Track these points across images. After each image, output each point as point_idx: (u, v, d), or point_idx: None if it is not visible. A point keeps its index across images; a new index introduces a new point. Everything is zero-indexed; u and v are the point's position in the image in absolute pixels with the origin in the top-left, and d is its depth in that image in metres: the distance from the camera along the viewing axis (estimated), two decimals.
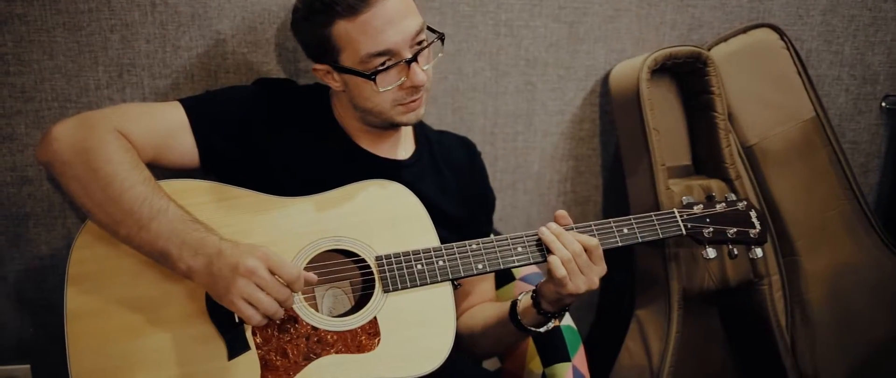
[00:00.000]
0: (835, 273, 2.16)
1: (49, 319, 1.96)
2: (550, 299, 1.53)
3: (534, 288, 1.58)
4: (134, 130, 1.45)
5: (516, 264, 1.52)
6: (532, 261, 1.52)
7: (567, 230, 1.51)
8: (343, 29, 1.45)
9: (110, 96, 1.83)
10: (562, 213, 1.54)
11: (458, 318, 1.67)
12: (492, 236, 1.54)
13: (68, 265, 1.40)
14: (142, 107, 1.60)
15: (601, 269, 1.51)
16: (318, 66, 1.54)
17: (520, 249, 1.52)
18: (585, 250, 1.49)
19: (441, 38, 1.55)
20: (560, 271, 1.46)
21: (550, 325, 1.58)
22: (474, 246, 1.51)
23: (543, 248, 1.51)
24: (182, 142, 1.51)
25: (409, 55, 1.47)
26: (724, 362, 2.17)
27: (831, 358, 2.15)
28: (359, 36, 1.44)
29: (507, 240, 1.52)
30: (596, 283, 1.50)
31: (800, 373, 2.12)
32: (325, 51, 1.50)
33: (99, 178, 1.36)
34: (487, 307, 1.71)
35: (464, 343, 1.67)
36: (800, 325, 2.16)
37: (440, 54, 1.58)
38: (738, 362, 2.18)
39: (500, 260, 1.51)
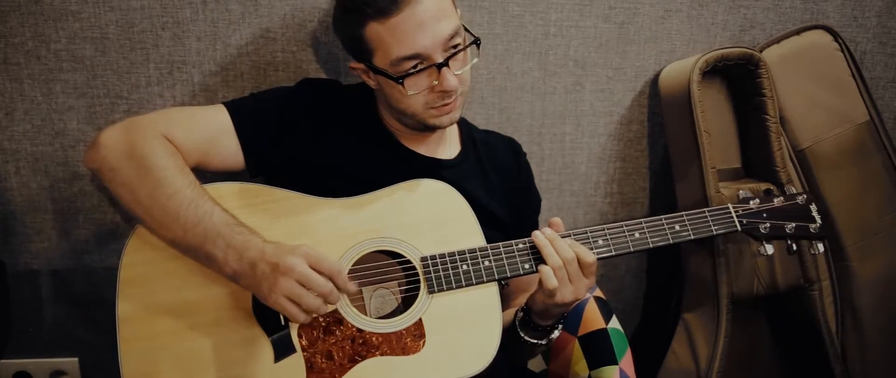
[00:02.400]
0: (887, 279, 2.12)
1: (97, 314, 2.00)
2: (539, 313, 1.52)
3: (525, 307, 1.57)
4: (179, 135, 1.46)
5: None
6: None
7: (611, 227, 1.52)
8: (374, 31, 1.44)
9: (161, 93, 1.85)
10: (556, 220, 1.51)
11: None
12: None
13: (119, 269, 1.42)
14: (186, 111, 1.62)
15: (591, 282, 1.49)
16: (356, 65, 1.54)
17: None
18: (578, 261, 1.46)
19: (476, 43, 1.52)
20: (552, 282, 1.44)
21: (554, 335, 1.57)
22: (520, 245, 1.50)
23: (597, 246, 1.51)
24: (227, 145, 1.52)
25: (440, 59, 1.45)
26: (771, 368, 2.14)
27: (882, 366, 2.11)
28: (389, 38, 1.43)
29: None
30: (582, 295, 1.48)
31: None
32: (360, 50, 1.50)
33: (146, 184, 1.38)
34: (507, 313, 1.69)
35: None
36: (850, 332, 2.12)
37: (476, 59, 1.55)
38: (787, 369, 2.15)
39: None
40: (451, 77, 1.46)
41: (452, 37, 1.46)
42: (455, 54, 1.48)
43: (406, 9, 1.41)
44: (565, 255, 1.45)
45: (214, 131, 1.51)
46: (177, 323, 1.39)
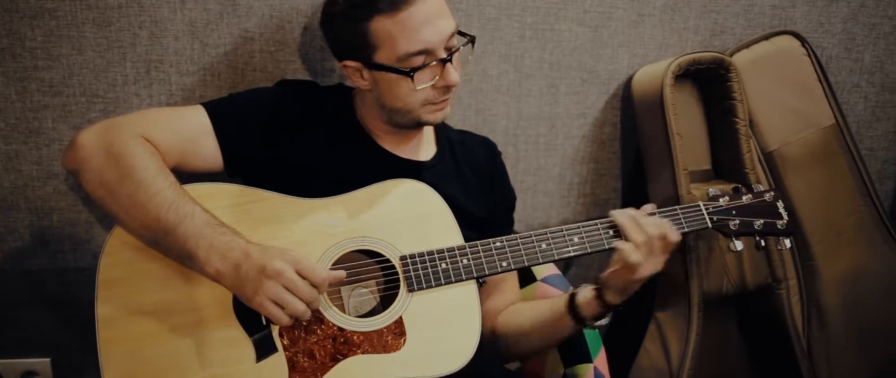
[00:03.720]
0: (852, 279, 2.18)
1: (71, 313, 1.99)
2: (619, 288, 1.54)
3: (594, 284, 1.60)
4: (158, 136, 1.47)
5: (541, 261, 1.54)
6: (558, 257, 1.55)
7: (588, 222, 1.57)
8: (382, 25, 1.46)
9: (137, 92, 1.84)
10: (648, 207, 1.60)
11: (497, 318, 1.70)
12: (516, 234, 1.55)
13: (98, 271, 1.41)
14: (165, 112, 1.62)
15: (667, 256, 1.56)
16: (350, 63, 1.55)
17: (544, 246, 1.54)
18: (662, 238, 1.53)
19: (472, 41, 1.56)
20: (635, 256, 1.50)
21: (607, 319, 1.61)
22: (498, 244, 1.52)
23: (560, 248, 1.54)
24: (206, 146, 1.52)
25: (444, 55, 1.49)
26: (740, 366, 2.19)
27: (847, 362, 2.17)
28: (397, 33, 1.45)
29: (530, 237, 1.54)
30: (660, 266, 1.55)
31: (816, 376, 2.14)
32: (359, 47, 1.50)
33: (126, 184, 1.38)
34: (532, 305, 1.72)
35: (505, 343, 1.69)
36: (816, 330, 2.17)
37: (470, 57, 1.59)
38: (755, 366, 2.20)
39: (524, 257, 1.53)
40: (453, 72, 1.50)
41: (452, 35, 1.50)
42: (456, 51, 1.52)
43: (416, 3, 1.44)
44: (652, 232, 1.52)
45: (193, 132, 1.52)
46: (157, 324, 1.39)
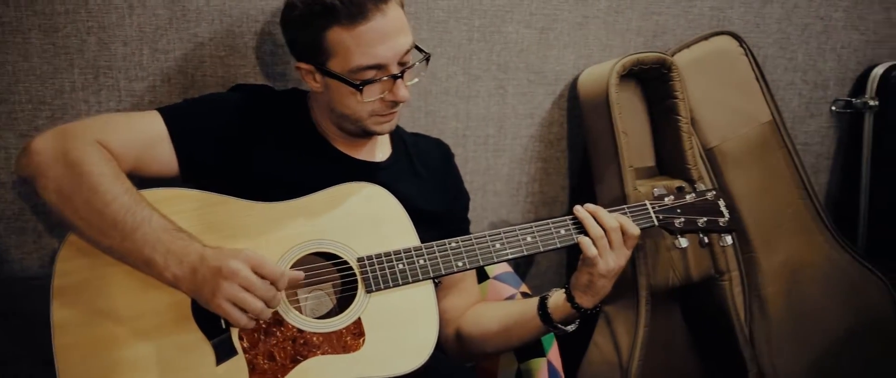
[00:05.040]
0: (790, 269, 2.26)
1: (16, 324, 1.93)
2: (584, 286, 1.58)
3: (562, 287, 1.63)
4: (114, 141, 1.46)
5: (496, 260, 1.57)
6: (513, 256, 1.58)
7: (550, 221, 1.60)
8: (339, 36, 1.48)
9: (86, 98, 1.83)
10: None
11: (461, 319, 1.73)
12: (471, 234, 1.58)
13: (53, 278, 1.40)
14: (121, 117, 1.61)
15: (629, 252, 1.60)
16: (303, 65, 1.56)
17: (498, 245, 1.57)
18: (622, 231, 1.57)
19: (427, 58, 1.59)
20: (592, 250, 1.54)
21: (576, 324, 1.64)
22: (454, 244, 1.55)
23: (526, 244, 1.57)
24: (162, 151, 1.52)
25: (396, 71, 1.51)
26: (687, 355, 2.25)
27: (787, 348, 2.25)
28: (353, 46, 1.47)
29: (485, 237, 1.57)
30: (624, 263, 1.59)
31: (758, 363, 2.20)
32: (314, 52, 1.52)
33: (82, 190, 1.37)
34: (498, 306, 1.75)
35: (469, 344, 1.72)
36: (758, 319, 2.25)
37: (423, 73, 1.61)
38: (701, 355, 2.26)
39: (480, 257, 1.56)
40: (403, 89, 1.53)
41: (408, 51, 1.52)
42: (409, 68, 1.54)
43: (373, 19, 1.46)
44: (609, 224, 1.55)
45: (149, 137, 1.52)
46: (115, 330, 1.38)
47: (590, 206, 1.60)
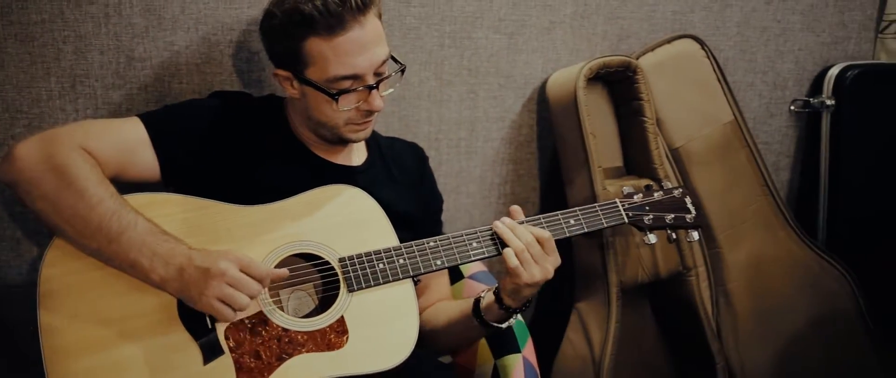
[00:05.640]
0: (754, 264, 2.33)
1: None
2: (509, 292, 1.60)
3: (495, 286, 1.66)
4: (97, 147, 1.48)
5: (472, 259, 1.61)
6: (487, 255, 1.61)
7: (520, 223, 1.61)
8: (316, 46, 1.51)
9: (62, 106, 1.84)
10: (516, 208, 1.63)
11: (422, 315, 1.75)
12: (448, 234, 1.62)
13: (39, 282, 1.42)
14: (102, 123, 1.62)
15: (555, 259, 1.59)
16: (280, 72, 1.59)
17: (475, 244, 1.61)
18: (538, 241, 1.57)
19: (402, 70, 1.63)
20: (513, 261, 1.55)
21: (512, 321, 1.67)
22: (432, 243, 1.59)
23: (498, 242, 1.60)
24: (143, 157, 1.55)
25: (372, 82, 1.55)
26: (657, 348, 2.31)
27: (753, 341, 2.32)
28: (330, 56, 1.50)
29: (462, 236, 1.61)
30: (550, 273, 1.58)
31: (725, 356, 2.27)
32: (292, 60, 1.55)
33: (67, 195, 1.40)
34: (449, 305, 1.79)
35: (426, 338, 1.74)
36: (724, 312, 2.31)
37: (398, 83, 1.65)
38: (670, 348, 2.32)
39: (457, 255, 1.59)
40: (378, 99, 1.56)
41: (384, 62, 1.55)
42: (384, 79, 1.57)
43: (351, 30, 1.49)
44: (526, 239, 1.56)
45: (131, 143, 1.54)
46: (103, 332, 1.40)
47: (507, 220, 1.60)
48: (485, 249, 1.61)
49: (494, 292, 1.65)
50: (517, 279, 1.56)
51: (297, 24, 1.50)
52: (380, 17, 1.57)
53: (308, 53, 1.52)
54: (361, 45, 1.51)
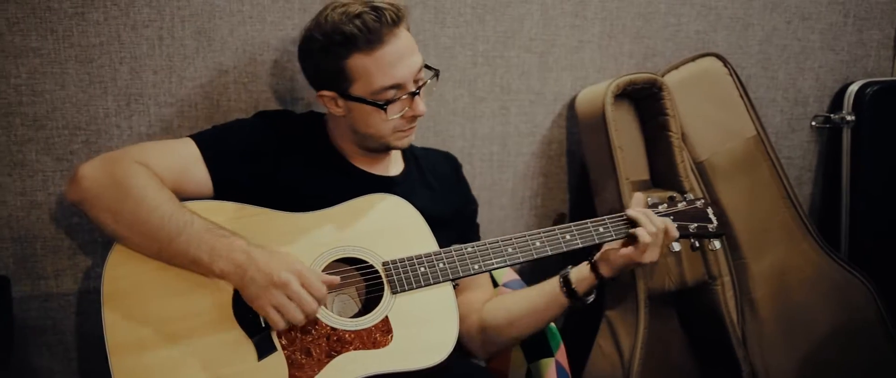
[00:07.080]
0: (778, 273, 2.37)
1: (53, 339, 2.01)
2: (618, 267, 1.71)
3: (583, 262, 1.77)
4: (154, 163, 1.57)
5: (508, 264, 1.68)
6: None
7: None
8: (359, 61, 1.60)
9: (118, 123, 1.92)
10: (638, 195, 1.79)
11: (482, 311, 1.83)
12: (485, 240, 1.69)
13: (102, 284, 1.51)
14: (157, 144, 1.72)
15: (663, 250, 1.74)
16: (326, 93, 1.68)
17: (510, 250, 1.68)
18: (666, 231, 1.71)
19: (436, 74, 1.72)
20: (647, 239, 1.67)
21: (593, 295, 1.77)
22: (470, 249, 1.66)
23: (535, 247, 1.68)
24: (197, 173, 1.63)
25: (413, 88, 1.64)
26: (684, 355, 2.35)
27: (777, 348, 2.35)
28: (373, 69, 1.60)
29: (498, 242, 1.68)
30: (657, 258, 1.72)
31: (750, 363, 2.30)
32: (336, 80, 1.64)
33: (129, 203, 1.49)
34: (518, 294, 1.85)
35: (496, 332, 1.80)
36: (749, 320, 2.35)
37: (434, 88, 1.74)
38: (697, 355, 2.36)
39: (494, 260, 1.67)
40: (421, 104, 1.66)
41: (421, 69, 1.65)
42: (424, 84, 1.67)
43: (389, 43, 1.59)
44: (659, 225, 1.69)
45: (185, 161, 1.63)
46: (163, 329, 1.49)
47: (640, 208, 1.74)
48: (521, 255, 1.68)
49: (589, 264, 1.74)
50: (639, 257, 1.68)
51: (339, 43, 1.60)
52: (408, 29, 1.66)
53: (352, 70, 1.61)
54: (400, 56, 1.61)
